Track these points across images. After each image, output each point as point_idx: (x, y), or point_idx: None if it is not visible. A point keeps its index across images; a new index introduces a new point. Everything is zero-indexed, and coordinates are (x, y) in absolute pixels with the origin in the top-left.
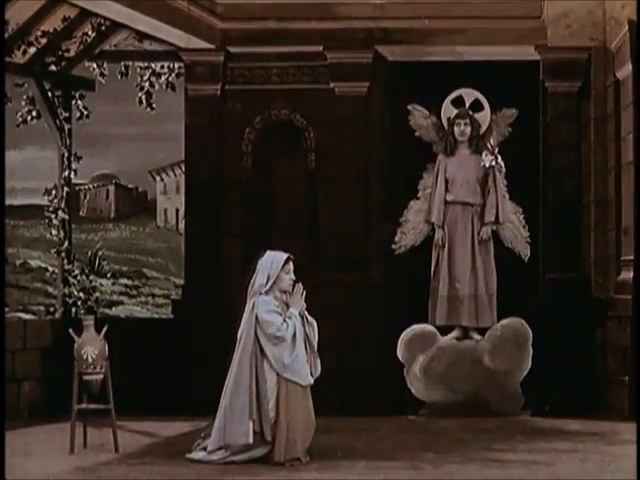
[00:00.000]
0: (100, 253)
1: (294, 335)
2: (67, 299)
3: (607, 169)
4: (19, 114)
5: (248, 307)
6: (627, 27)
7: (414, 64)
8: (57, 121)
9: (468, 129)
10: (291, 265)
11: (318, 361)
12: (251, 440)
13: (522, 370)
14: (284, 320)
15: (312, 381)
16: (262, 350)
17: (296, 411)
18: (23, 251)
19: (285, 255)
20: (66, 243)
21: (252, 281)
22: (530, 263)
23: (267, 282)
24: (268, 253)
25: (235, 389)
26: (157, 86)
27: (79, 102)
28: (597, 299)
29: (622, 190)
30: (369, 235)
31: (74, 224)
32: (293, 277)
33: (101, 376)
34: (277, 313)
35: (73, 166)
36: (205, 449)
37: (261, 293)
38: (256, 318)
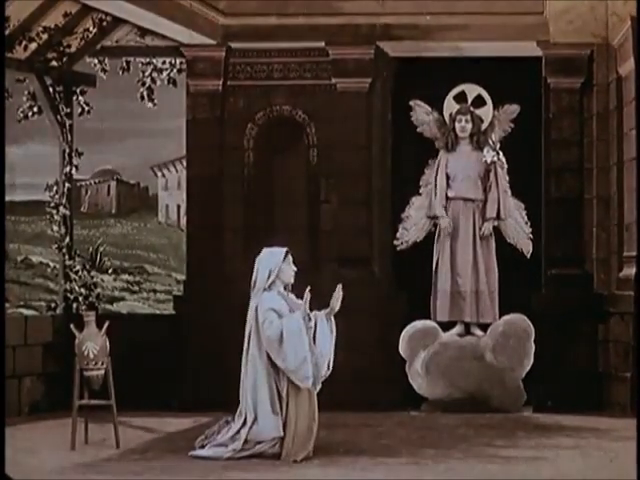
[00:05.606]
0: (101, 249)
1: (281, 334)
2: (68, 295)
3: (609, 165)
4: (20, 110)
5: (252, 306)
6: (629, 23)
7: (416, 60)
8: (58, 117)
9: (469, 125)
10: (290, 257)
11: (325, 364)
12: (282, 433)
13: (524, 366)
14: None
15: (309, 384)
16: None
17: (303, 409)
18: (24, 247)
19: (284, 248)
20: (67, 239)
21: (253, 280)
22: (532, 259)
23: (269, 277)
24: (265, 250)
25: (256, 386)
26: (158, 82)
27: (80, 98)
28: (599, 295)
29: (624, 186)
30: (371, 231)
31: (75, 220)
32: (294, 268)
33: (102, 372)
34: (273, 311)
35: (74, 162)
36: (204, 446)
37: (265, 289)
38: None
